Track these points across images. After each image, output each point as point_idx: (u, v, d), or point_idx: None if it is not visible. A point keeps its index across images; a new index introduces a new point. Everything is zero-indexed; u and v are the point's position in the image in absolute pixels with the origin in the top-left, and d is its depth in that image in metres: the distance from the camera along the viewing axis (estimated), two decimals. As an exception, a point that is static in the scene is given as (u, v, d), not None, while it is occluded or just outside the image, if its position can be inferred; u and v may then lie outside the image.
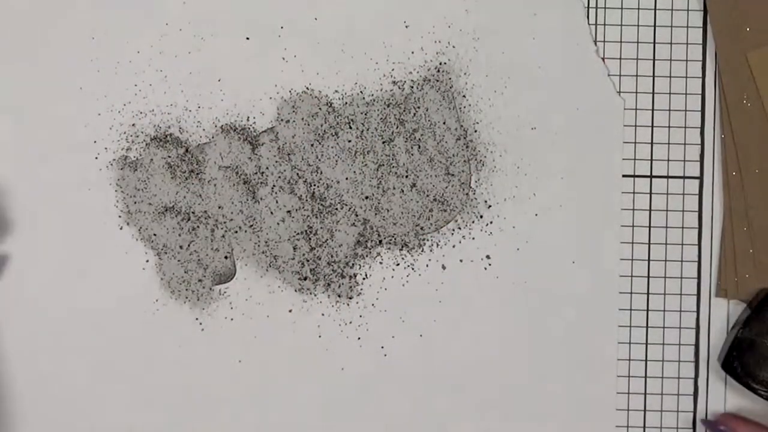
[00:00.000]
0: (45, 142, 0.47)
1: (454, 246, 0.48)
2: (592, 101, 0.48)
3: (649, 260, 0.49)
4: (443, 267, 0.48)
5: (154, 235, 0.47)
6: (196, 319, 0.48)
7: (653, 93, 0.49)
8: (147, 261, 0.48)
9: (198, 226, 0.47)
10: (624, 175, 0.48)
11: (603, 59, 0.48)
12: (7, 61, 0.47)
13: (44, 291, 0.48)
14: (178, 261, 0.48)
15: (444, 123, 0.47)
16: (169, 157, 0.47)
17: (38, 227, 0.48)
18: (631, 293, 0.48)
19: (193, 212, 0.47)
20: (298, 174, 0.47)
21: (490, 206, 0.48)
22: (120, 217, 0.48)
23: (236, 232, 0.47)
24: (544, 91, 0.48)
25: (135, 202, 0.47)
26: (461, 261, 0.48)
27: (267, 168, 0.47)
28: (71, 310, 0.48)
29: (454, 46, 0.47)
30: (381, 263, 0.48)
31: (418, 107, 0.47)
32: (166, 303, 0.48)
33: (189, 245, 0.47)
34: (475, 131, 0.48)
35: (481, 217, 0.48)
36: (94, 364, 0.48)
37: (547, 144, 0.48)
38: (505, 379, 0.48)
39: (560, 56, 0.48)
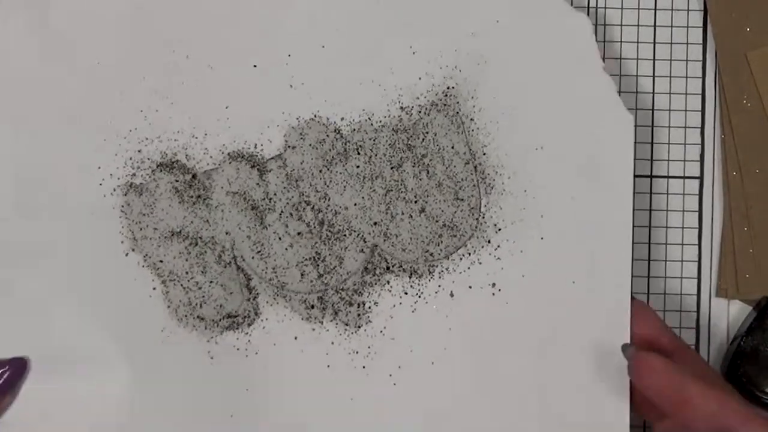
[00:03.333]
0: (48, 167, 0.47)
1: (461, 273, 0.47)
2: (601, 121, 0.47)
3: (649, 260, 0.49)
4: (452, 294, 0.47)
5: (160, 261, 0.47)
6: (204, 348, 0.47)
7: (653, 93, 0.49)
8: (154, 288, 0.47)
9: (205, 252, 0.47)
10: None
11: (614, 75, 0.47)
12: (9, 87, 0.47)
13: (47, 319, 0.47)
14: (185, 288, 0.47)
15: (452, 147, 0.47)
16: (176, 181, 0.47)
17: (40, 254, 0.47)
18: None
19: (200, 237, 0.47)
20: (306, 200, 0.47)
21: (499, 230, 0.47)
22: (124, 243, 0.47)
23: (243, 258, 0.47)
24: (552, 113, 0.47)
25: (141, 228, 0.47)
26: (470, 287, 0.47)
27: (275, 194, 0.47)
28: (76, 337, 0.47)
29: (461, 70, 0.47)
30: (390, 291, 0.47)
31: (427, 132, 0.47)
32: (173, 332, 0.47)
33: (196, 271, 0.47)
34: (484, 154, 0.47)
35: (489, 242, 0.47)
36: (100, 392, 0.47)
37: (556, 165, 0.47)
38: (518, 405, 0.47)
39: (568, 77, 0.47)
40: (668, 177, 0.49)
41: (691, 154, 0.49)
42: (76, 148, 0.47)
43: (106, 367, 0.47)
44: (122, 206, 0.47)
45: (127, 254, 0.47)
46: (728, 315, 0.49)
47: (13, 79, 0.47)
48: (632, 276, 0.47)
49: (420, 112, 0.47)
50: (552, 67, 0.47)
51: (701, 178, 0.49)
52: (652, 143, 0.49)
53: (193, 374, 0.47)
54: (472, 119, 0.47)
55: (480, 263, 0.47)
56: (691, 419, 0.39)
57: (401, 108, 0.47)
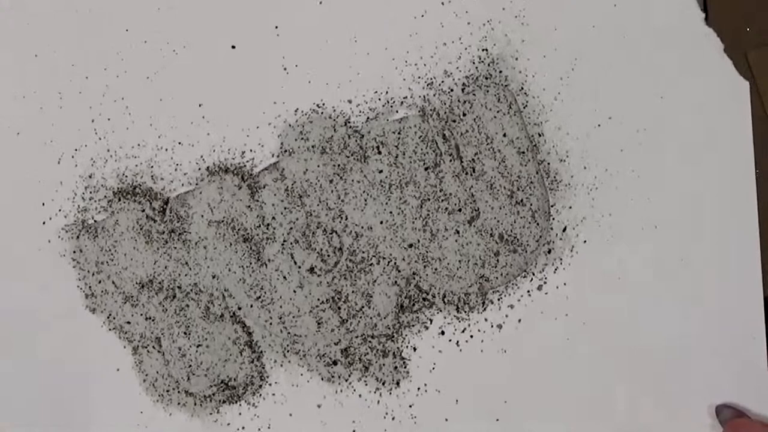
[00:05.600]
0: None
1: (521, 299, 0.35)
2: (704, 87, 0.35)
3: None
4: (514, 329, 0.35)
5: (127, 323, 0.35)
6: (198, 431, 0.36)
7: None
8: (123, 359, 0.36)
9: (187, 305, 0.35)
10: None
11: (718, 35, 0.35)
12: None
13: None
14: (163, 355, 0.35)
15: (504, 135, 0.35)
16: (142, 212, 0.35)
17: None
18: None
19: (178, 287, 0.35)
20: (315, 223, 0.35)
21: (570, 239, 0.35)
22: (80, 301, 0.36)
23: (239, 308, 0.35)
24: (630, 75, 0.35)
25: (99, 281, 0.36)
26: (537, 319, 0.35)
27: (273, 218, 0.35)
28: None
29: (494, 27, 0.35)
30: (432, 331, 0.35)
31: (467, 116, 0.35)
32: (154, 414, 0.35)
33: (177, 333, 0.35)
34: (540, 135, 0.35)
35: (560, 258, 0.35)
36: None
37: (644, 145, 0.35)
38: None
39: (650, 24, 0.35)
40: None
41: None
42: (9, 179, 0.36)
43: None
44: (74, 253, 0.36)
45: (84, 315, 0.36)
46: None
47: None
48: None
49: (453, 90, 0.35)
50: (623, 10, 0.35)
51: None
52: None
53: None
54: (523, 90, 0.35)
55: (548, 285, 0.35)
56: None
57: (428, 84, 0.35)
